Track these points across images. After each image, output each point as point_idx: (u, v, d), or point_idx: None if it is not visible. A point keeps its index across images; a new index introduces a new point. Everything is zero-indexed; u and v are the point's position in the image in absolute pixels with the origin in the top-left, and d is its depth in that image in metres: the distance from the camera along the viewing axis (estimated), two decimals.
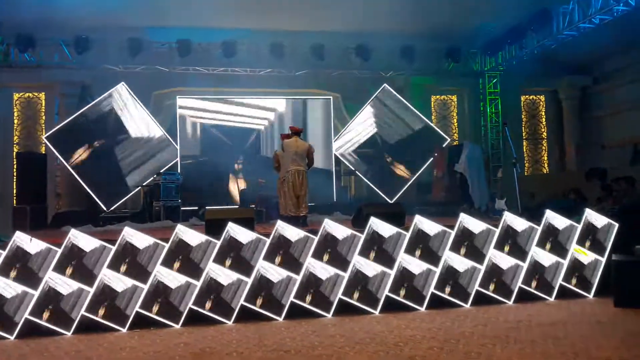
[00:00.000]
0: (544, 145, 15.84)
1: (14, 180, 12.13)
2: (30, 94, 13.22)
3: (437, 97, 15.00)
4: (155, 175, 11.50)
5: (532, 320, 4.93)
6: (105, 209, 11.71)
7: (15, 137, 13.05)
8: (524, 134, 15.70)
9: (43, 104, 13.27)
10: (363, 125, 13.68)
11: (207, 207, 9.93)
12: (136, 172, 12.31)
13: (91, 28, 11.49)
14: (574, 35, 11.15)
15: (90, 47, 11.79)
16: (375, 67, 13.58)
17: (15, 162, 12.16)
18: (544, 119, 15.87)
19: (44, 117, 13.20)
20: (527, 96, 15.79)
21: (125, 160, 12.36)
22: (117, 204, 12.06)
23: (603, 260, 5.96)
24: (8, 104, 12.96)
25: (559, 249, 5.94)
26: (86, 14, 10.70)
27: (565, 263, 5.89)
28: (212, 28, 12.03)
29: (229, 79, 13.11)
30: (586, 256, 5.96)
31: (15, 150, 12.80)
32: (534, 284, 5.79)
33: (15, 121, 13.11)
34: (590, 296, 5.85)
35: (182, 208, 10.87)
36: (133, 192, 12.19)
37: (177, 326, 5.03)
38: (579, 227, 6.04)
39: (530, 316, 5.08)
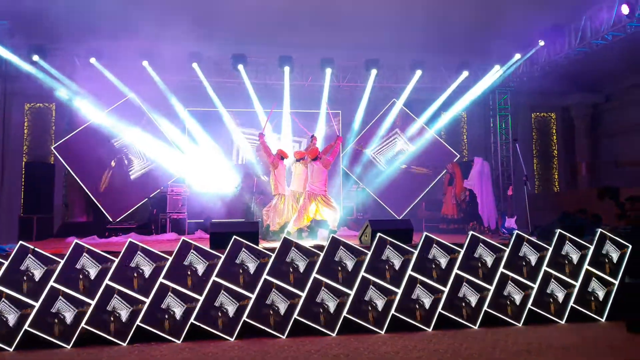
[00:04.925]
0: (555, 163, 15.66)
1: (22, 189, 12.14)
2: (41, 104, 13.29)
3: (448, 112, 14.91)
4: (162, 187, 11.45)
5: (543, 343, 4.79)
6: (111, 220, 11.68)
7: (25, 147, 13.10)
8: (534, 152, 15.55)
9: (54, 114, 13.33)
10: (372, 139, 13.61)
11: (212, 220, 9.87)
12: (144, 183, 12.28)
13: (103, 40, 11.55)
14: (585, 52, 11.03)
15: (101, 58, 11.84)
16: (384, 81, 13.53)
17: (23, 172, 12.18)
18: (555, 137, 15.72)
19: (54, 128, 13.26)
20: (537, 113, 15.66)
21: (134, 171, 12.35)
22: (124, 216, 12.02)
23: (616, 282, 5.81)
24: (19, 113, 13.04)
25: (571, 270, 5.80)
26: (98, 26, 10.76)
27: (577, 285, 5.75)
28: (223, 42, 12.07)
29: (238, 92, 13.10)
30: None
31: (24, 160, 12.84)
32: (544, 305, 5.64)
33: (25, 131, 13.17)
34: (603, 320, 5.69)
35: (188, 220, 10.83)
36: (140, 204, 12.15)
37: (178, 342, 4.94)
38: (592, 248, 5.90)
39: (541, 339, 4.94)
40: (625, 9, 9.10)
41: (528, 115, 15.51)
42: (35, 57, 11.43)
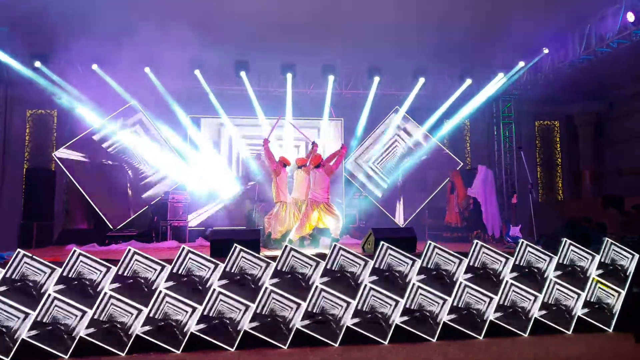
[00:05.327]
0: (558, 171, 15.57)
1: (23, 196, 12.09)
2: (42, 111, 13.26)
3: (450, 120, 14.84)
4: (162, 194, 11.39)
5: (549, 354, 4.70)
6: (112, 227, 11.61)
7: (26, 154, 13.06)
8: (538, 160, 15.46)
9: (55, 121, 13.30)
10: (375, 147, 13.56)
11: (213, 228, 9.80)
12: (145, 190, 12.24)
13: (105, 46, 11.52)
14: (590, 60, 10.97)
15: (103, 65, 11.82)
16: (387, 89, 13.49)
17: (24, 179, 12.14)
18: (558, 145, 15.64)
19: (55, 134, 13.23)
20: (541, 121, 15.59)
21: (135, 178, 12.31)
22: (124, 223, 11.96)
23: (623, 292, 5.71)
24: (20, 120, 13.01)
25: (577, 280, 5.70)
26: (100, 32, 10.74)
27: (584, 294, 5.65)
28: (225, 49, 12.05)
29: (240, 99, 13.06)
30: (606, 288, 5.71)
31: (25, 166, 12.79)
32: (550, 315, 5.53)
33: (27, 138, 13.14)
34: (610, 330, 5.59)
35: (188, 228, 10.76)
36: (140, 211, 12.10)
37: (178, 352, 4.84)
38: (598, 256, 5.80)
39: (547, 349, 4.85)
40: (630, 17, 9.06)
41: (532, 123, 15.44)
42: (37, 64, 11.43)
